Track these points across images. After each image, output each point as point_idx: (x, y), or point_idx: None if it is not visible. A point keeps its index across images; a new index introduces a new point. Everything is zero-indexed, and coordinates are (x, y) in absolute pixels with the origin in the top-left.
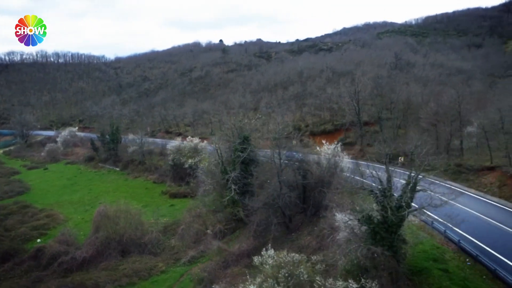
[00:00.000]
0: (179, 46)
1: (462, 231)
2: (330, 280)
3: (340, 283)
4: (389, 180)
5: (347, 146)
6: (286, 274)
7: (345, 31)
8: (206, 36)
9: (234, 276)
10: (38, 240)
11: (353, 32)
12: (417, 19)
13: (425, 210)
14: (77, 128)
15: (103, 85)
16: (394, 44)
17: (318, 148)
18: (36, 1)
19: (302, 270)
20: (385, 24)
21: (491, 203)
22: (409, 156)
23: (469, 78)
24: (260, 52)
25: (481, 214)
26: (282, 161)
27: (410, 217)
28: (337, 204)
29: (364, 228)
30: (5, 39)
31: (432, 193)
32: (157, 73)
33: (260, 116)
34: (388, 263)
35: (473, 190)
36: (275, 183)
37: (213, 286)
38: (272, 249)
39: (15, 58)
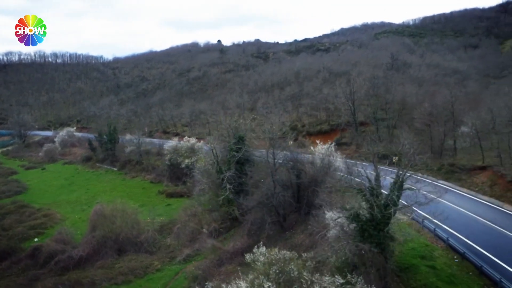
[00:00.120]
0: (177, 47)
1: (452, 229)
2: (317, 275)
3: (327, 278)
4: (377, 178)
5: (343, 146)
6: (277, 271)
7: (343, 32)
8: (204, 36)
9: (228, 274)
10: (35, 239)
11: (351, 32)
12: (415, 19)
13: (415, 208)
14: (75, 128)
15: (101, 85)
16: (391, 45)
17: (312, 148)
18: (34, 1)
19: (292, 267)
20: (383, 24)
21: (482, 202)
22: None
23: (465, 79)
24: (258, 53)
25: (472, 212)
26: (276, 160)
27: (401, 215)
28: (327, 203)
29: (353, 225)
30: (3, 39)
31: (418, 191)
32: (155, 74)
33: (255, 116)
34: (376, 260)
35: (465, 189)
36: (269, 182)
37: (207, 284)
38: (264, 246)
39: (13, 58)
